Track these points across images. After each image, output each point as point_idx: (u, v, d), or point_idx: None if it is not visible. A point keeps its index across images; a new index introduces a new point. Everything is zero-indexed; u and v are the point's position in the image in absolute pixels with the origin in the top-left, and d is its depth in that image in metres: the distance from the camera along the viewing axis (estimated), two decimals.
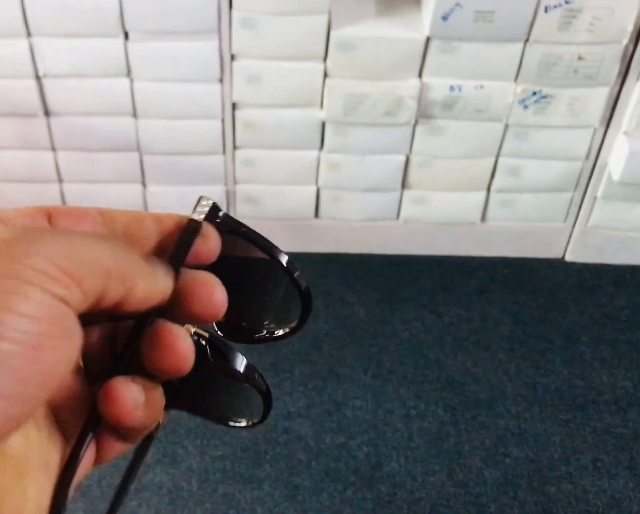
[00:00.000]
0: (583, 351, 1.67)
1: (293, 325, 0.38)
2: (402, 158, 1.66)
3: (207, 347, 0.37)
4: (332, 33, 1.47)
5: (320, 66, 1.52)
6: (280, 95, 1.56)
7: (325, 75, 1.53)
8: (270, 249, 0.36)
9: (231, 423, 0.42)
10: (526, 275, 1.81)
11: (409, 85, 1.53)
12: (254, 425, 0.41)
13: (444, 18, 1.43)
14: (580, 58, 1.49)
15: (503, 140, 1.63)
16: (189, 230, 0.35)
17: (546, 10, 1.43)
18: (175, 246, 0.34)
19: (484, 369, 1.62)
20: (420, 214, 1.76)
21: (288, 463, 1.46)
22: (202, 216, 0.35)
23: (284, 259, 0.36)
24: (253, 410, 0.41)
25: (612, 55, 1.49)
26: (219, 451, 1.47)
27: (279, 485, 1.43)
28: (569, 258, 1.84)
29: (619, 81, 1.55)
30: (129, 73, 1.52)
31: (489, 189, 1.72)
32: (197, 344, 0.35)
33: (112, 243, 0.30)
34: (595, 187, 1.71)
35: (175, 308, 0.33)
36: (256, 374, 0.38)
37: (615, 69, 1.52)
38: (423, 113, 1.58)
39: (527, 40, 1.48)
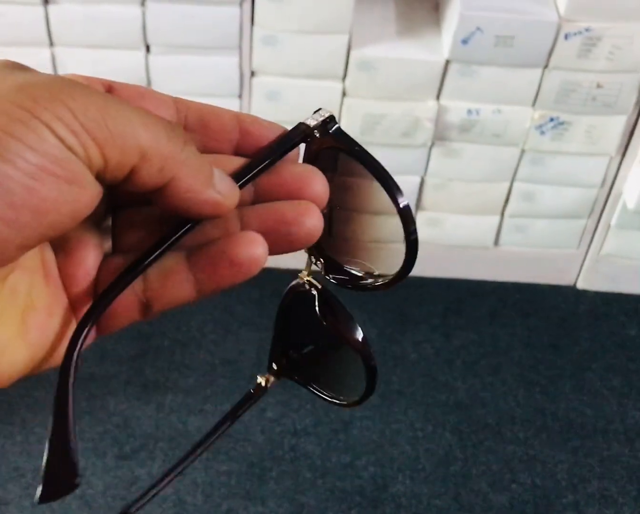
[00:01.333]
0: (593, 379, 1.66)
1: (395, 272, 0.35)
2: (417, 179, 1.66)
3: (317, 299, 0.35)
4: (352, 53, 1.48)
5: (339, 85, 1.52)
6: (299, 113, 1.55)
7: (344, 94, 1.53)
8: (384, 178, 0.32)
9: (329, 398, 0.39)
10: (538, 300, 1.81)
11: (427, 107, 1.53)
12: (349, 404, 0.39)
13: (464, 42, 1.44)
14: (598, 86, 1.49)
15: (519, 165, 1.63)
16: (294, 134, 0.33)
17: (566, 37, 1.43)
18: (271, 146, 0.33)
19: (493, 393, 1.62)
20: (434, 236, 1.76)
21: (293, 481, 1.46)
22: (314, 122, 0.33)
23: (399, 196, 0.32)
24: (353, 387, 0.38)
25: (631, 84, 1.49)
26: (224, 466, 1.46)
27: (283, 502, 1.43)
28: (580, 285, 1.84)
29: (637, 110, 1.55)
30: (149, 86, 1.52)
31: (502, 214, 1.72)
32: (307, 294, 0.34)
33: (161, 125, 0.29)
34: (610, 215, 1.70)
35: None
36: (366, 342, 0.36)
37: (633, 98, 1.52)
38: (440, 136, 1.58)
39: (546, 67, 1.48)
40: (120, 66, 1.50)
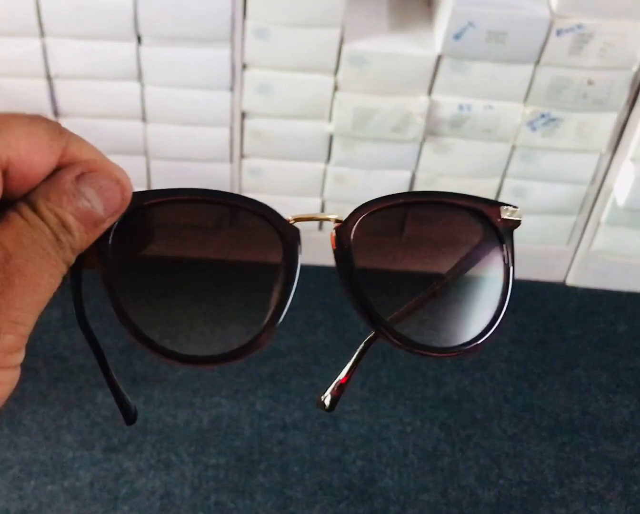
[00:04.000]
0: (581, 375, 1.66)
1: None
2: (408, 174, 1.66)
3: None
4: (344, 46, 1.47)
5: (330, 79, 1.52)
6: (290, 106, 1.56)
7: (336, 88, 1.53)
8: None
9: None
10: (527, 296, 1.81)
11: (418, 102, 1.53)
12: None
13: (456, 37, 1.44)
14: (590, 83, 1.49)
15: (509, 161, 1.63)
16: None
17: (558, 33, 1.43)
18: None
19: (481, 388, 1.62)
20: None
21: (282, 475, 1.45)
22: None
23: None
24: None
25: (622, 82, 1.50)
26: (213, 460, 1.46)
27: (271, 496, 1.42)
28: (570, 281, 1.84)
29: (628, 107, 1.55)
30: (140, 77, 1.52)
31: None
32: None
33: None
34: (600, 212, 1.71)
35: None
36: None
37: (624, 95, 1.52)
38: (431, 131, 1.58)
39: (537, 63, 1.48)
40: (111, 57, 1.49)
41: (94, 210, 0.33)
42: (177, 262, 0.39)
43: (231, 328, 0.37)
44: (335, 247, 0.38)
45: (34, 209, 0.32)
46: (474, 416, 1.57)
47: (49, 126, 0.32)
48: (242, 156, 1.65)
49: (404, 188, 1.67)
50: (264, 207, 0.37)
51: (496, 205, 0.41)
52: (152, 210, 0.36)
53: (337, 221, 0.39)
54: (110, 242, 0.35)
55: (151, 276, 0.38)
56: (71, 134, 0.34)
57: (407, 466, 1.48)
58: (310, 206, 1.72)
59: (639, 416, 1.60)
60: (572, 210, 1.72)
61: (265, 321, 0.36)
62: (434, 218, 0.42)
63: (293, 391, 1.57)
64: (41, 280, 0.31)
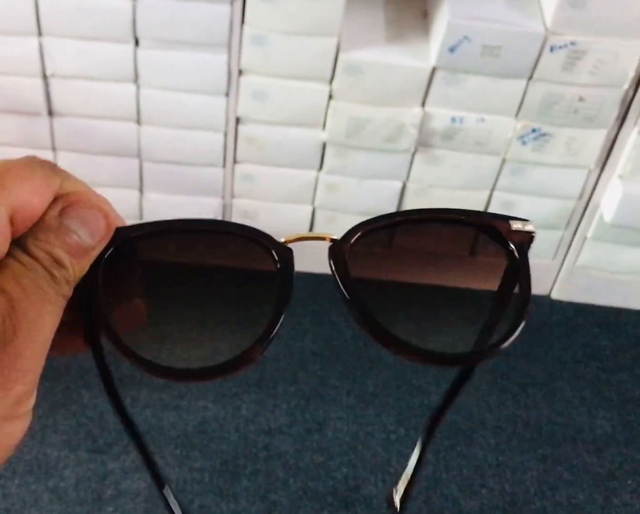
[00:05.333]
0: (564, 388, 1.68)
1: None
2: (399, 184, 1.67)
3: None
4: (340, 56, 1.49)
5: (326, 88, 1.53)
6: (285, 113, 1.57)
7: (330, 96, 1.54)
8: None
9: None
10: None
11: (412, 113, 1.54)
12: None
13: (451, 50, 1.45)
14: (581, 99, 1.51)
15: (499, 175, 1.65)
16: None
17: (552, 49, 1.45)
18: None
19: (466, 399, 1.63)
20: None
21: (266, 479, 1.46)
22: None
23: None
24: None
25: (613, 99, 1.52)
26: (197, 463, 1.46)
27: (256, 501, 1.43)
28: (555, 295, 1.86)
29: (617, 125, 1.57)
30: (136, 79, 1.52)
31: None
32: None
33: None
34: (586, 227, 1.72)
35: None
36: None
37: (614, 113, 1.54)
38: (423, 142, 1.60)
39: (530, 78, 1.50)
40: (108, 58, 1.50)
41: (81, 240, 0.34)
42: (171, 286, 0.40)
43: (226, 344, 0.38)
44: (332, 267, 0.38)
45: (26, 251, 0.32)
46: (458, 426, 1.58)
47: (42, 168, 0.33)
48: (235, 161, 1.65)
49: (394, 198, 1.69)
50: (257, 232, 0.37)
51: (505, 219, 0.40)
52: (141, 243, 0.37)
53: (331, 240, 0.38)
54: (100, 276, 0.35)
55: (145, 302, 0.39)
56: (63, 170, 0.35)
57: (391, 474, 1.49)
58: (301, 213, 1.73)
59: (620, 430, 1.61)
60: (559, 224, 1.73)
61: (259, 336, 0.36)
62: (436, 233, 0.41)
63: (279, 396, 1.58)
64: (43, 321, 0.32)
